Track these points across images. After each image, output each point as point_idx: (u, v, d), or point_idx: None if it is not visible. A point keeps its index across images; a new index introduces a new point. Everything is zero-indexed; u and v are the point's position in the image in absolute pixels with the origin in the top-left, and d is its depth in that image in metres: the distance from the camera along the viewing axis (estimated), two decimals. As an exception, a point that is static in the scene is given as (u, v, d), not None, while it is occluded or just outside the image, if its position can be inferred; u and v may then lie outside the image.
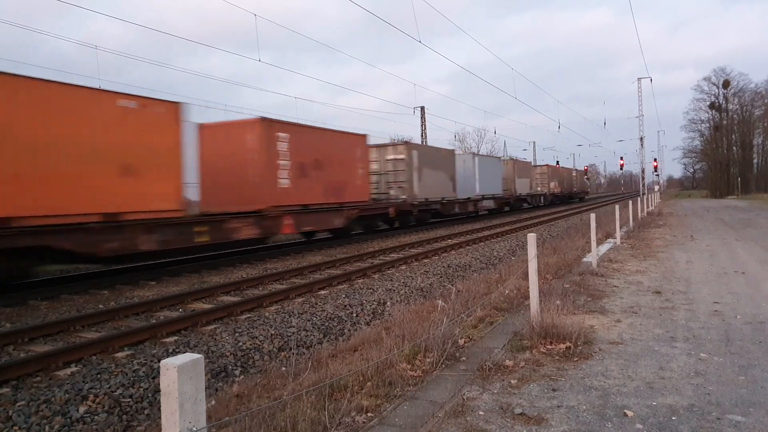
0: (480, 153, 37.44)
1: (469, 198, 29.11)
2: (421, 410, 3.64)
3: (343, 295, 9.79)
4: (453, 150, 29.68)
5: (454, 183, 27.29)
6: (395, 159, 23.41)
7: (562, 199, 53.13)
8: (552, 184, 48.32)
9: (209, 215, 12.79)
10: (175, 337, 7.15)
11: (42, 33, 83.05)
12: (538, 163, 55.31)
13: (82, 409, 5.00)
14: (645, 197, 31.49)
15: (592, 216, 10.35)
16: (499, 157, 39.65)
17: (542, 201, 45.99)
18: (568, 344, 4.81)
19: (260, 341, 7.10)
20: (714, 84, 68.74)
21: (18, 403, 5.01)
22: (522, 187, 39.48)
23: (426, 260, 14.20)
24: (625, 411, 3.49)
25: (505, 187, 35.73)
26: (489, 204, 32.52)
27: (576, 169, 65.87)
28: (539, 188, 45.67)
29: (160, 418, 2.08)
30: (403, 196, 22.90)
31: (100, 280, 11.08)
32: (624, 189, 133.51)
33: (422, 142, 45.13)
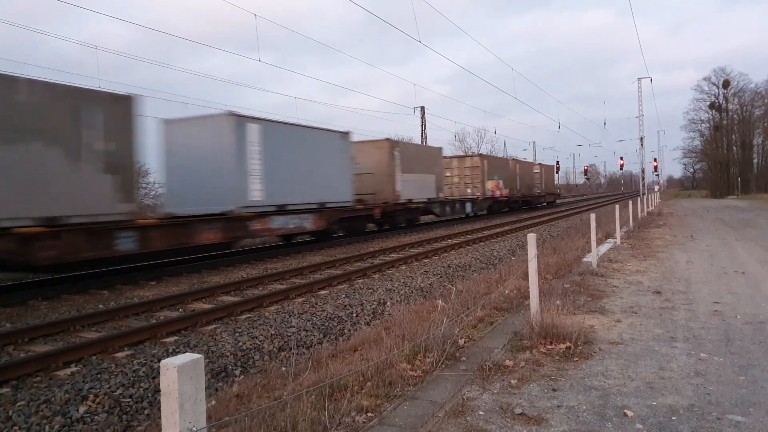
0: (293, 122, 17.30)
1: (223, 215, 13.47)
2: (421, 410, 3.64)
3: (343, 295, 9.79)
4: (130, 97, 10.98)
5: (127, 180, 10.82)
6: None
7: (512, 205, 37.58)
8: (491, 185, 32.10)
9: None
10: (175, 337, 7.15)
11: (43, 33, 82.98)
12: (470, 153, 42.75)
13: (82, 409, 5.00)
14: (645, 197, 31.49)
15: (592, 216, 10.35)
16: (346, 132, 18.52)
17: (470, 210, 29.48)
18: (568, 344, 4.81)
19: (260, 341, 7.10)
20: (714, 84, 68.82)
21: (18, 403, 5.01)
22: (417, 189, 23.05)
23: (426, 260, 14.20)
24: (625, 411, 3.49)
25: (374, 188, 20.80)
26: (293, 223, 15.64)
27: (540, 164, 47.92)
28: (469, 190, 30.85)
29: (160, 418, 2.07)
30: None
31: (100, 280, 11.08)
32: (624, 189, 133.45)
33: (422, 142, 44.26)
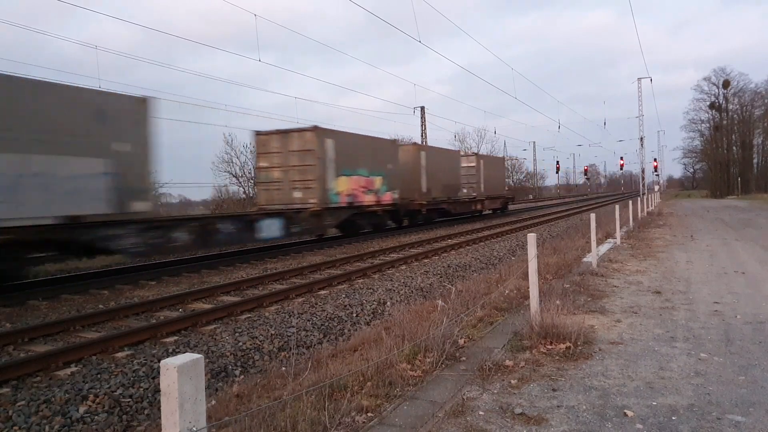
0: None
1: None
2: (421, 410, 3.64)
3: (343, 295, 9.79)
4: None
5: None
6: None
7: (411, 216, 24.11)
8: (347, 185, 18.40)
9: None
10: (175, 337, 7.15)
11: (43, 33, 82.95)
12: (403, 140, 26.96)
13: (82, 409, 5.00)
14: (645, 197, 31.49)
15: (592, 216, 10.35)
16: None
17: (278, 232, 15.55)
18: (568, 344, 4.81)
19: (260, 341, 7.10)
20: (714, 84, 68.82)
21: (18, 403, 5.01)
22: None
23: (426, 260, 14.20)
24: (625, 411, 3.49)
25: None
26: None
27: (477, 154, 32.24)
28: (298, 194, 17.40)
29: (160, 418, 2.07)
30: None
31: (100, 280, 11.08)
32: (624, 189, 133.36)
33: (422, 142, 44.35)
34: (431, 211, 25.33)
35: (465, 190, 29.09)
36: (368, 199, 19.84)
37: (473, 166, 30.17)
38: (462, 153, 31.11)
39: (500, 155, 42.42)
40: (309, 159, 17.17)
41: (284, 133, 17.77)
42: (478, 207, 30.82)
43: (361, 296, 9.75)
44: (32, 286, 10.60)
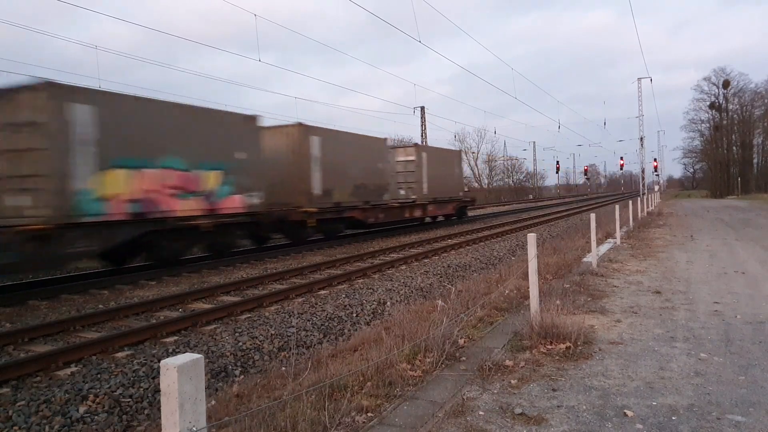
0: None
1: None
2: (421, 410, 3.64)
3: (343, 295, 9.79)
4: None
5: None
6: None
7: (297, 231, 16.66)
8: (121, 184, 10.63)
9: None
10: (175, 337, 7.16)
11: (44, 33, 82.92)
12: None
13: (82, 409, 5.00)
14: (645, 197, 31.49)
15: (592, 216, 10.35)
16: None
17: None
18: (568, 344, 4.81)
19: (260, 341, 7.10)
20: (714, 84, 68.82)
21: (18, 403, 5.01)
22: None
23: (426, 260, 14.20)
24: (625, 411, 3.48)
25: None
26: None
27: (417, 145, 25.34)
28: (7, 202, 9.72)
29: (160, 418, 2.07)
30: None
31: (100, 280, 11.08)
32: (624, 189, 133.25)
33: (422, 142, 44.52)
34: (331, 222, 17.79)
35: (403, 192, 22.76)
36: (187, 207, 12.36)
37: (412, 161, 23.13)
38: (398, 144, 23.46)
39: (456, 148, 32.62)
40: (35, 139, 9.72)
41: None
42: (416, 214, 23.12)
43: (361, 296, 9.75)
44: (32, 286, 10.60)
